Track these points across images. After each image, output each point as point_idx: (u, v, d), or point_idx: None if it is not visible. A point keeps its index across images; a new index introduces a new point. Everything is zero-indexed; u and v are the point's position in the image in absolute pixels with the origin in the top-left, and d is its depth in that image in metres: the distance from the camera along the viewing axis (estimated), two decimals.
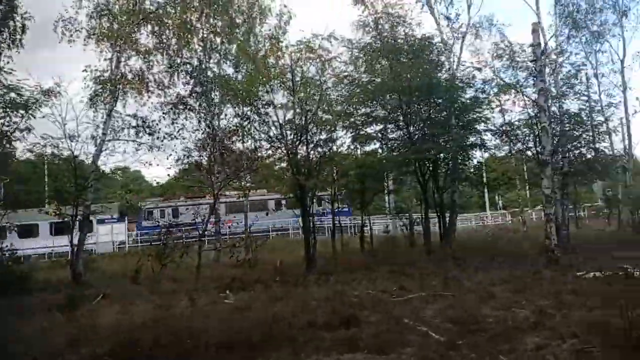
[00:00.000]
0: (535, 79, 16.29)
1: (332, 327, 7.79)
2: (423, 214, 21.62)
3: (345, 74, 19.76)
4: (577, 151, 21.37)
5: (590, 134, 21.24)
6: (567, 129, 20.50)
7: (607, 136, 23.60)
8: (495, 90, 19.58)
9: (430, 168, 20.96)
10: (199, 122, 20.79)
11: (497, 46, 19.51)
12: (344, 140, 20.82)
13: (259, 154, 18.31)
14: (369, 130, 21.64)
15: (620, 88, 26.64)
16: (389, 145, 22.32)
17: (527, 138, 20.62)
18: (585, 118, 20.80)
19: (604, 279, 10.71)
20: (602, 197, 30.90)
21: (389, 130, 21.71)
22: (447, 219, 21.70)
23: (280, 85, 17.29)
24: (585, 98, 21.36)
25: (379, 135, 21.85)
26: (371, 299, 10.28)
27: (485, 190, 38.14)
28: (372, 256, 19.10)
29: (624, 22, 27.03)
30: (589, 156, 21.56)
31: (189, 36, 21.32)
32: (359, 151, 22.92)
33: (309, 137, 17.44)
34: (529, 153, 21.64)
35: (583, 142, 21.39)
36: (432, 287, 11.26)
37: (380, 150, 22.95)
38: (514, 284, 10.91)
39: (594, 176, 24.21)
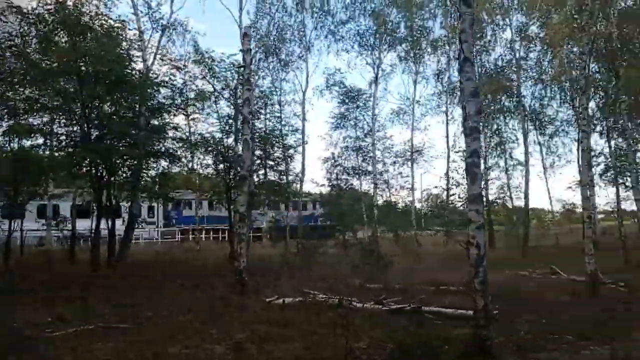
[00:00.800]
0: (241, 87, 15.58)
1: None
2: (94, 224, 18.40)
3: (10, 43, 15.69)
4: (262, 172, 21.70)
5: (274, 157, 21.86)
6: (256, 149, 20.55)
7: (285, 162, 24.78)
8: (192, 95, 18.32)
9: (106, 174, 17.97)
10: None
11: (195, 52, 18.44)
12: None
13: None
14: (33, 120, 17.58)
15: (300, 118, 28.65)
16: (57, 142, 18.42)
17: (215, 152, 19.96)
18: (273, 141, 21.30)
19: (293, 306, 10.11)
20: (269, 220, 32.46)
21: (61, 123, 17.90)
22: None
23: None
24: (272, 122, 22.01)
25: (45, 128, 17.90)
26: (15, 335, 7.70)
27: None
28: (19, 275, 15.08)
29: (308, 57, 29.28)
30: (271, 179, 22.12)
31: None
32: (16, 144, 18.42)
33: None
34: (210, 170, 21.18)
35: (266, 164, 21.83)
36: (102, 317, 9.09)
37: (44, 146, 18.76)
38: (202, 312, 9.50)
39: (276, 198, 25.10)
